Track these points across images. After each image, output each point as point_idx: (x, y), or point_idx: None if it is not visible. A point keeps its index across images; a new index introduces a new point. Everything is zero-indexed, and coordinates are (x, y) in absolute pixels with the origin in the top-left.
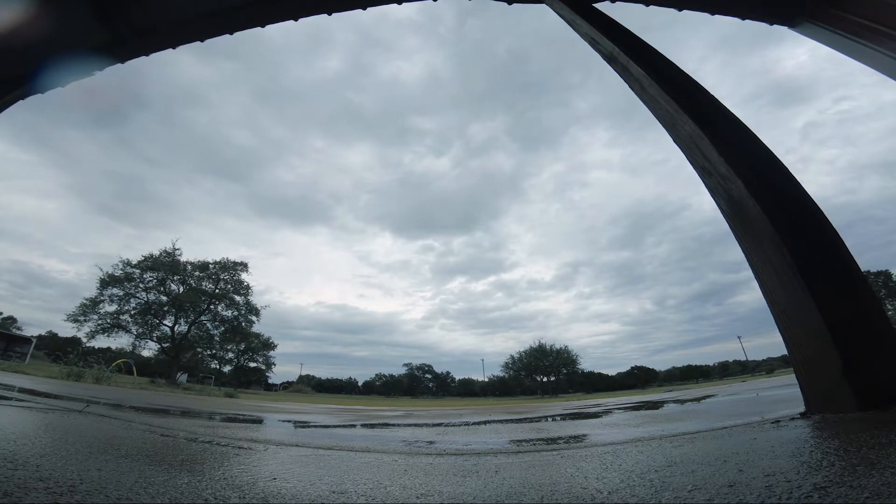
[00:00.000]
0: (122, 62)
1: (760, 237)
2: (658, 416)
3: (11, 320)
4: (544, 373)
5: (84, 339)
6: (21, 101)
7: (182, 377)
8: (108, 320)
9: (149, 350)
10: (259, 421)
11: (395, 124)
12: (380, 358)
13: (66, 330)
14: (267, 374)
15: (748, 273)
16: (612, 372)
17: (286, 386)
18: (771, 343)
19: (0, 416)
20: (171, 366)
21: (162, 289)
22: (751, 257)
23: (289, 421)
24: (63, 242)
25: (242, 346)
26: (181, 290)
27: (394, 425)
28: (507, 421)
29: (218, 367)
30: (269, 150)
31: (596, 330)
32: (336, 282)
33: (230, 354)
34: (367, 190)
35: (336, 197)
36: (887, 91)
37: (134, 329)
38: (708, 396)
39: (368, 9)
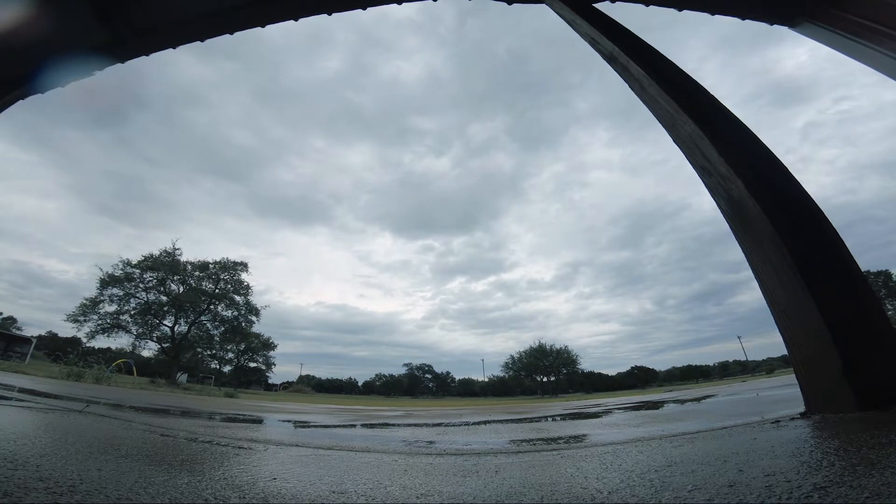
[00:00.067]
0: (122, 62)
1: (760, 237)
2: (658, 416)
3: (11, 320)
4: (544, 373)
5: (84, 340)
6: (21, 101)
7: (182, 377)
8: (108, 320)
9: (149, 350)
10: (259, 421)
11: (395, 124)
12: (380, 358)
13: (66, 330)
14: (267, 374)
15: (748, 273)
16: (612, 372)
17: (286, 386)
18: (771, 343)
19: (0, 416)
20: (171, 366)
21: (162, 289)
22: (751, 257)
23: (289, 421)
24: (63, 242)
25: (242, 346)
26: (181, 290)
27: (394, 425)
28: (506, 421)
29: (218, 367)
30: (269, 150)
31: (596, 330)
32: (336, 282)
33: (230, 354)
34: (367, 190)
35: (336, 197)
36: (887, 91)
37: (134, 329)
38: (708, 396)
39: (368, 9)
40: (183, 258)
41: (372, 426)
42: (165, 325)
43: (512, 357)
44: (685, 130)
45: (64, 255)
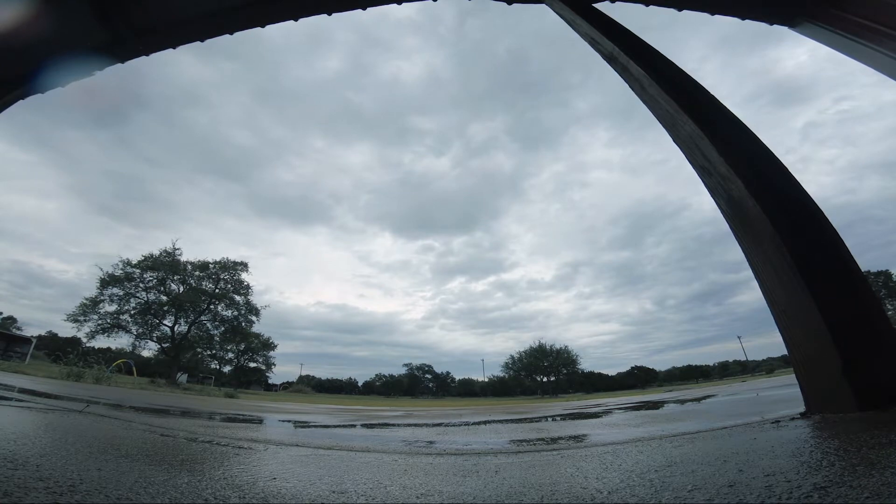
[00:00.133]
0: (122, 62)
1: (760, 237)
2: (658, 416)
3: (11, 320)
4: (544, 373)
5: (84, 339)
6: (21, 101)
7: (182, 377)
8: (108, 320)
9: (149, 350)
10: (259, 421)
11: (395, 124)
12: (380, 358)
13: (66, 330)
14: (267, 374)
15: (748, 273)
16: (612, 372)
17: (286, 386)
18: (771, 343)
19: (0, 416)
20: (171, 366)
21: (162, 289)
22: (751, 257)
23: (289, 421)
24: (63, 242)
25: (242, 346)
26: (181, 289)
27: (394, 425)
28: (506, 421)
29: (218, 367)
30: (269, 150)
31: (596, 330)
32: (336, 282)
33: (230, 354)
34: (367, 190)
35: (336, 197)
36: (887, 91)
37: (134, 329)
38: (708, 396)
39: (368, 9)
40: (183, 258)
41: (372, 426)
42: (165, 325)
43: (512, 357)
44: (685, 130)
45: (64, 255)
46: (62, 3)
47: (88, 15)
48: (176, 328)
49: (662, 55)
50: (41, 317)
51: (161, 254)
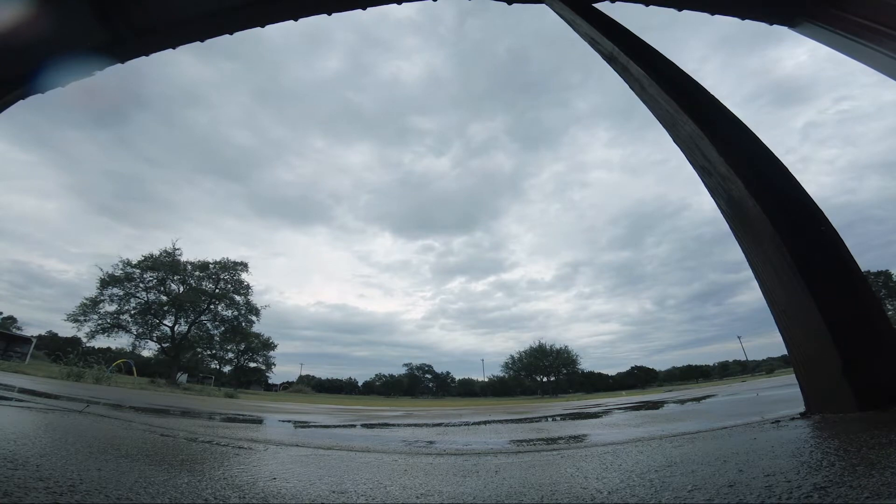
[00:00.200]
0: (122, 62)
1: (760, 237)
2: (658, 416)
3: (11, 320)
4: (544, 373)
5: (84, 339)
6: (21, 101)
7: (182, 377)
8: (108, 320)
9: (149, 350)
10: (259, 421)
11: (395, 124)
12: (380, 358)
13: (66, 330)
14: (267, 374)
15: (748, 273)
16: (612, 372)
17: (286, 386)
18: (771, 343)
19: (0, 416)
20: (171, 366)
21: (162, 289)
22: (751, 257)
23: (289, 421)
24: (63, 242)
25: (242, 346)
26: (181, 289)
27: (394, 425)
28: (506, 421)
29: (218, 367)
30: (269, 150)
31: (596, 330)
32: (336, 282)
33: (230, 354)
34: (367, 190)
35: (336, 197)
36: (887, 91)
37: (134, 329)
38: (708, 396)
39: (368, 9)
40: (183, 258)
41: (372, 426)
42: (165, 325)
43: (512, 357)
44: (685, 130)
45: (64, 255)
46: (62, 3)
47: (88, 15)
48: (176, 328)
49: (662, 55)
50: (41, 317)
51: (161, 254)
